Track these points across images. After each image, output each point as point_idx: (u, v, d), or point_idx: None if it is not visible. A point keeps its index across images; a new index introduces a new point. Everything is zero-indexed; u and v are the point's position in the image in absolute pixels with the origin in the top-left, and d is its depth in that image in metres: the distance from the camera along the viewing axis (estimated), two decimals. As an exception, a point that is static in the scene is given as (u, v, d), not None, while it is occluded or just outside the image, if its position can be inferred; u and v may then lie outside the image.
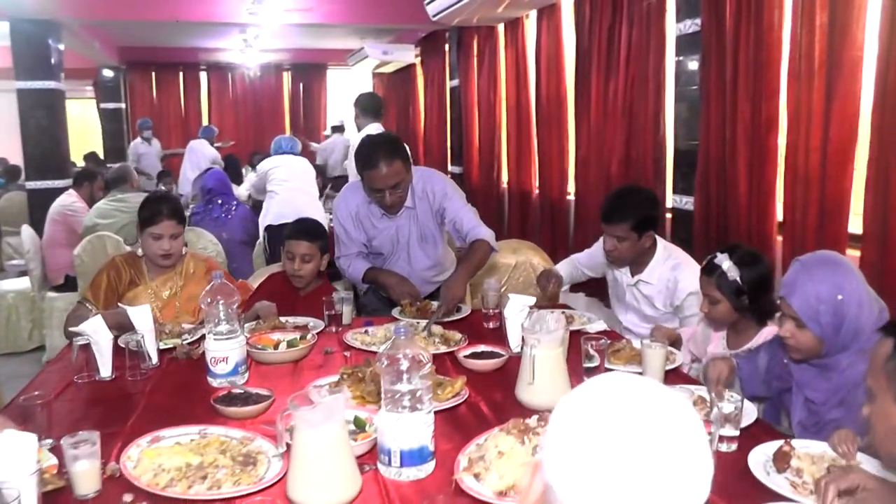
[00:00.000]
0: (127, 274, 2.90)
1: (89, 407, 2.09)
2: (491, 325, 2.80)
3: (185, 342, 2.54)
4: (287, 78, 13.54)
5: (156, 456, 1.65)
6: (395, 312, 2.92)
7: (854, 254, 3.14)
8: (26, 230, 5.16)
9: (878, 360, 1.32)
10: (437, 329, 2.64)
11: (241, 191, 6.33)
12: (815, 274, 1.89)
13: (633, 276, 2.96)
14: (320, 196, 6.02)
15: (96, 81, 12.03)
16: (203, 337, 2.53)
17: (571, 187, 6.34)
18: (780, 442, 1.65)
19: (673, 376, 2.24)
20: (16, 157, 8.85)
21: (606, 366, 2.19)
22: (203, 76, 13.09)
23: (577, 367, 2.15)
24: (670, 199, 4.56)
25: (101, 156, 11.11)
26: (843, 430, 1.67)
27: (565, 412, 0.82)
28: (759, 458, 1.62)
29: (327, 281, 3.18)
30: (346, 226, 3.10)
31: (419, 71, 10.70)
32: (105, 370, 2.28)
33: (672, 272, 2.84)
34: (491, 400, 2.06)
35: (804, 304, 1.88)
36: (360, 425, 1.75)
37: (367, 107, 5.24)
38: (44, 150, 7.38)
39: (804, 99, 3.31)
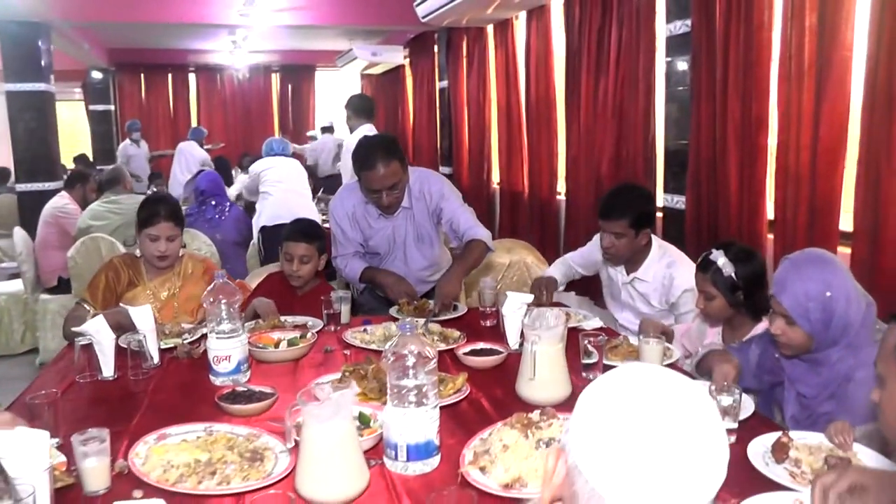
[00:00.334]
0: (125, 275, 2.91)
1: (93, 406, 2.11)
2: (488, 322, 2.83)
3: (185, 342, 2.55)
4: (276, 79, 13.54)
5: (164, 453, 1.66)
6: (393, 311, 2.94)
7: (845, 251, 3.19)
8: (18, 232, 5.14)
9: (887, 346, 1.35)
10: (435, 327, 2.67)
11: (231, 191, 6.34)
12: (804, 272, 1.93)
13: (628, 273, 2.99)
14: (313, 198, 6.03)
15: (85, 83, 11.99)
16: (203, 336, 2.56)
17: (561, 187, 6.39)
18: (778, 434, 1.69)
19: (669, 371, 2.27)
20: (5, 160, 8.82)
21: (605, 362, 2.22)
22: (192, 78, 13.07)
23: (574, 363, 2.18)
24: (661, 199, 4.60)
25: (91, 158, 11.07)
26: (838, 421, 1.71)
27: (591, 399, 0.87)
28: (758, 450, 1.66)
29: (325, 280, 3.20)
30: (343, 226, 3.12)
31: (408, 72, 10.73)
32: (107, 370, 2.29)
33: (667, 269, 2.88)
34: (492, 396, 2.09)
35: (794, 301, 1.92)
36: (364, 421, 1.77)
37: (359, 108, 5.26)
38: (33, 153, 7.36)
39: (794, 98, 3.36)
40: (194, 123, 12.08)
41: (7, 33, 7.16)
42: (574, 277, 3.33)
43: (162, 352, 2.47)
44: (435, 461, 1.62)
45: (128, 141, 10.10)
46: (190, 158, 8.79)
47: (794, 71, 3.35)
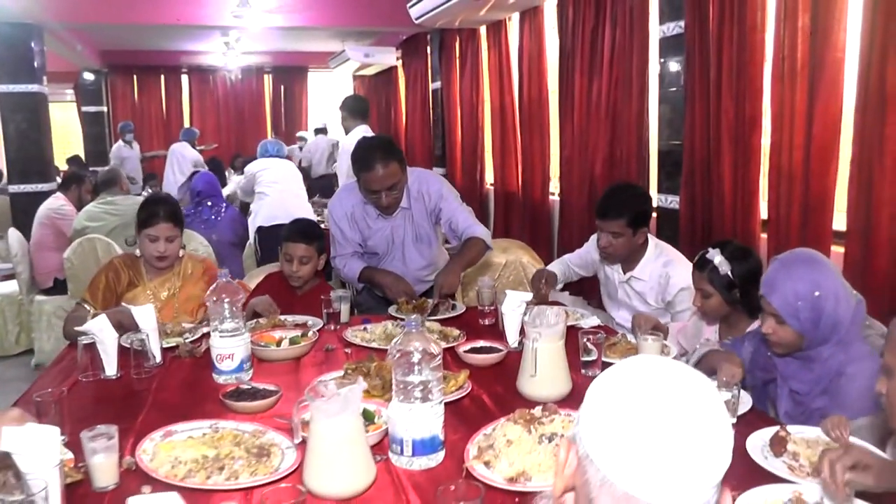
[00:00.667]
0: (125, 275, 2.92)
1: (97, 405, 2.12)
2: (486, 321, 2.86)
3: (187, 341, 2.57)
4: (268, 80, 13.54)
5: (171, 449, 1.68)
6: (392, 310, 2.96)
7: (838, 250, 3.23)
8: (13, 233, 5.14)
9: (894, 337, 1.39)
10: (435, 326, 2.69)
11: (225, 192, 6.35)
12: (793, 272, 1.96)
13: (624, 272, 3.03)
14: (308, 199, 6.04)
15: (77, 85, 11.97)
16: (204, 336, 2.58)
17: (554, 187, 6.44)
18: (776, 428, 1.72)
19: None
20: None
21: (603, 359, 2.25)
22: (184, 79, 13.06)
23: (574, 360, 2.20)
24: (655, 199, 4.64)
25: (83, 159, 11.04)
26: (834, 415, 1.74)
27: (600, 391, 0.90)
28: (757, 444, 1.69)
29: (324, 280, 3.22)
30: (342, 226, 3.14)
31: (400, 73, 10.76)
32: (110, 369, 2.30)
33: (664, 268, 2.91)
34: (493, 392, 2.11)
35: (783, 301, 1.95)
36: (369, 417, 1.79)
37: (354, 109, 5.28)
38: (26, 154, 7.35)
39: (787, 99, 3.40)
40: (187, 125, 12.07)
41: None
42: (572, 278, 3.36)
43: (164, 351, 2.48)
44: (440, 456, 1.65)
45: (121, 142, 10.08)
46: (182, 160, 8.79)
47: (787, 72, 3.39)
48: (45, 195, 6.65)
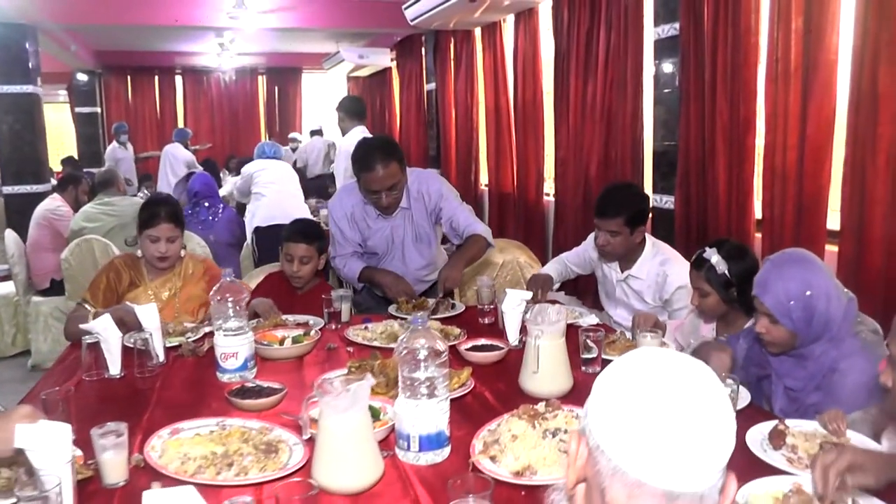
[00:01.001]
0: (126, 275, 2.93)
1: (103, 403, 2.13)
2: (486, 320, 2.89)
3: (189, 340, 2.59)
4: (262, 81, 13.55)
5: (179, 446, 1.70)
6: (392, 310, 2.99)
7: (832, 249, 3.27)
8: (10, 234, 5.14)
9: None
10: (435, 325, 2.72)
11: (221, 192, 6.37)
12: (785, 272, 2.00)
13: (622, 271, 3.06)
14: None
15: (70, 86, 11.96)
16: (206, 335, 2.60)
17: (549, 188, 6.47)
18: (775, 422, 1.75)
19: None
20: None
21: (603, 357, 2.28)
22: (178, 80, 13.05)
23: (574, 358, 2.23)
24: (650, 199, 4.67)
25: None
26: (832, 409, 1.77)
27: (607, 383, 0.93)
28: (756, 437, 1.72)
29: (324, 280, 3.24)
30: (342, 226, 3.17)
31: (395, 74, 10.78)
32: (114, 368, 2.32)
33: (661, 267, 2.95)
34: (495, 389, 2.14)
35: (776, 301, 1.99)
36: (374, 414, 1.81)
37: (351, 110, 5.29)
38: (20, 155, 7.35)
39: (781, 100, 3.45)
40: (181, 126, 12.06)
41: (-7, 35, 7.15)
42: (569, 277, 3.39)
43: (167, 350, 2.49)
44: (446, 451, 1.67)
45: (115, 143, 10.06)
46: (174, 161, 8.81)
47: (781, 73, 3.43)
48: (39, 196, 6.66)
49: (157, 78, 12.86)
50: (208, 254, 4.65)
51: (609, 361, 0.98)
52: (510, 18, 6.92)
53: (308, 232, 3.11)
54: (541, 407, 1.76)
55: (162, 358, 2.43)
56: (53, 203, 5.43)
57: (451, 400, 1.95)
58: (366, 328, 2.72)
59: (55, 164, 10.14)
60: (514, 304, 2.51)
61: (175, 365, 2.44)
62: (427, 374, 1.61)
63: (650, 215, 4.60)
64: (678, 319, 2.80)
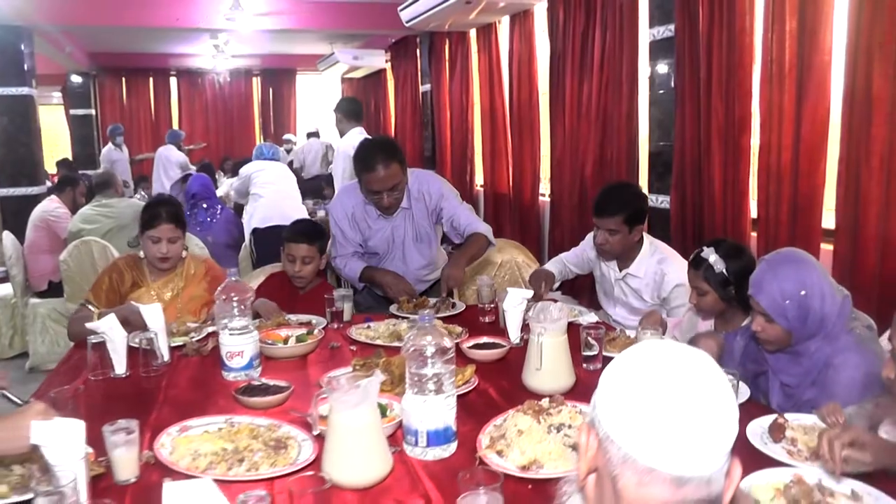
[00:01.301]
0: (129, 276, 2.95)
1: (110, 402, 2.15)
2: (487, 319, 2.92)
3: (193, 339, 2.61)
4: (257, 83, 13.54)
5: (189, 443, 1.73)
6: (393, 309, 3.02)
7: (827, 248, 3.31)
8: (7, 236, 5.15)
9: None
10: (437, 323, 2.74)
11: (218, 193, 6.38)
12: (780, 272, 2.04)
13: (620, 270, 3.09)
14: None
15: (65, 87, 11.92)
16: (210, 334, 2.62)
17: (544, 188, 6.50)
18: (774, 416, 1.79)
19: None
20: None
21: (604, 354, 2.31)
22: (173, 82, 13.03)
23: (575, 355, 2.26)
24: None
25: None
26: (830, 403, 1.81)
27: (614, 375, 0.97)
28: (756, 431, 1.76)
29: (325, 279, 3.27)
30: (343, 226, 3.19)
31: (389, 75, 10.80)
32: (120, 367, 2.34)
33: (659, 265, 2.98)
34: (499, 386, 2.17)
35: (771, 301, 2.03)
36: (381, 411, 1.83)
37: (349, 111, 5.32)
38: (16, 157, 7.32)
39: (776, 100, 3.48)
40: (176, 127, 12.05)
41: (-12, 37, 7.14)
42: (568, 276, 3.42)
43: (171, 350, 2.52)
44: (453, 447, 1.71)
45: (111, 145, 10.06)
46: (167, 163, 8.83)
47: (776, 74, 3.47)
48: (34, 199, 6.66)
49: (151, 80, 12.83)
50: (207, 255, 4.68)
51: (609, 359, 1.01)
52: (505, 20, 6.95)
53: (310, 232, 3.13)
54: (545, 403, 1.79)
55: (167, 357, 2.45)
56: (51, 205, 5.44)
57: (456, 397, 1.99)
58: (368, 327, 2.76)
59: (50, 167, 10.13)
60: (515, 303, 2.55)
61: (180, 364, 2.46)
62: (434, 371, 1.64)
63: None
64: (676, 317, 2.84)
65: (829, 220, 3.36)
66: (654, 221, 4.61)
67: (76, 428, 1.51)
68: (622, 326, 2.97)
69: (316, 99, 13.49)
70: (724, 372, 1.85)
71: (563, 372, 2.08)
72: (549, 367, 2.05)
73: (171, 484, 1.49)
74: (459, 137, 8.25)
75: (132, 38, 9.67)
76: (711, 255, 2.48)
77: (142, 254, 3.00)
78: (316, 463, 1.62)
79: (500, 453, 1.64)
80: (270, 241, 4.71)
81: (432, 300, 3.08)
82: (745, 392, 2.01)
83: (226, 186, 7.76)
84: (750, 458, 1.64)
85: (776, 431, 1.73)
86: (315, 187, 8.06)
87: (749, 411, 1.90)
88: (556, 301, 3.17)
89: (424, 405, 1.64)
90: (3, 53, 7.18)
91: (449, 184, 3.28)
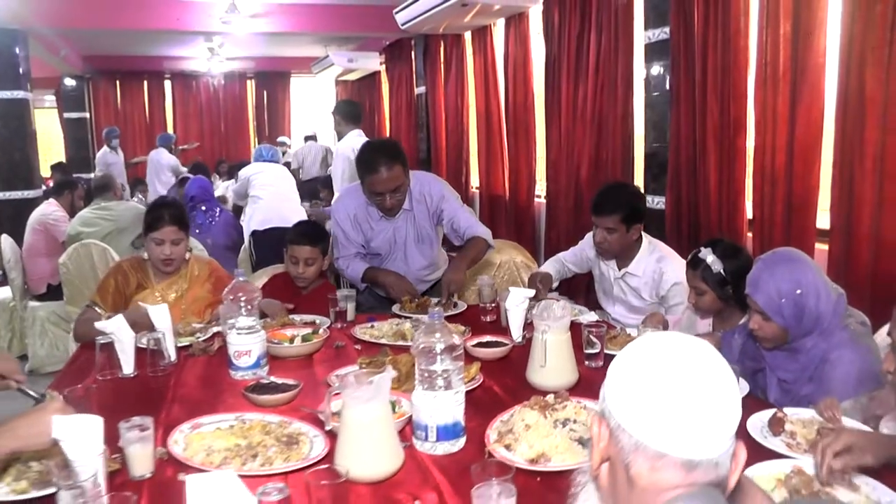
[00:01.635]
0: (134, 278, 2.98)
1: (119, 401, 2.18)
2: (488, 318, 2.96)
3: (199, 339, 2.64)
4: (251, 86, 13.54)
5: (202, 439, 1.76)
6: (395, 309, 3.05)
7: (822, 247, 3.36)
8: (6, 240, 5.16)
9: None
10: (440, 323, 2.78)
11: (215, 194, 6.41)
12: (776, 271, 2.08)
13: (619, 269, 3.14)
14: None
15: (58, 91, 11.90)
16: (216, 334, 2.66)
17: (540, 190, 6.54)
18: (774, 410, 1.84)
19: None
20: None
21: (606, 351, 2.36)
22: (167, 85, 13.03)
23: (577, 353, 2.30)
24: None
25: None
26: (828, 398, 1.86)
27: (622, 367, 1.02)
28: (756, 424, 1.81)
29: (328, 280, 3.30)
30: (345, 227, 3.23)
31: (384, 78, 10.82)
32: (128, 367, 2.37)
33: (657, 264, 3.03)
34: (503, 383, 2.21)
35: (767, 299, 2.08)
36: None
37: (347, 114, 5.35)
38: (11, 161, 7.31)
39: (770, 102, 3.52)
40: (170, 130, 12.06)
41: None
42: (566, 275, 3.46)
43: (177, 350, 2.55)
44: (461, 441, 1.75)
45: (106, 148, 10.05)
46: (159, 167, 8.85)
47: (770, 76, 3.51)
48: (30, 202, 6.67)
49: (146, 83, 12.81)
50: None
51: (611, 356, 1.06)
52: (500, 23, 6.98)
53: (312, 234, 3.17)
54: (550, 398, 1.83)
55: (174, 357, 2.48)
56: (49, 208, 5.45)
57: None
58: (372, 326, 2.79)
59: (44, 171, 10.12)
60: (517, 302, 2.59)
61: (187, 364, 2.50)
62: (443, 367, 1.68)
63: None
64: (675, 315, 2.88)
65: (823, 221, 3.40)
66: (649, 222, 4.60)
67: (94, 423, 1.54)
68: (621, 325, 3.02)
69: (310, 101, 13.51)
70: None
71: (566, 369, 2.13)
72: (553, 363, 2.10)
73: (193, 477, 1.52)
74: (455, 139, 8.28)
75: (126, 40, 9.66)
76: (709, 256, 2.52)
77: (146, 256, 3.03)
78: (328, 458, 1.65)
79: (508, 447, 1.68)
80: (269, 243, 4.75)
81: (434, 300, 3.12)
82: (744, 387, 2.06)
83: (220, 189, 7.78)
84: (751, 451, 1.64)
85: (776, 425, 1.77)
86: (312, 189, 8.09)
87: (748, 406, 1.94)
88: (558, 300, 3.24)
89: (434, 401, 1.68)
90: (-1, 57, 7.19)
91: (450, 186, 3.32)
